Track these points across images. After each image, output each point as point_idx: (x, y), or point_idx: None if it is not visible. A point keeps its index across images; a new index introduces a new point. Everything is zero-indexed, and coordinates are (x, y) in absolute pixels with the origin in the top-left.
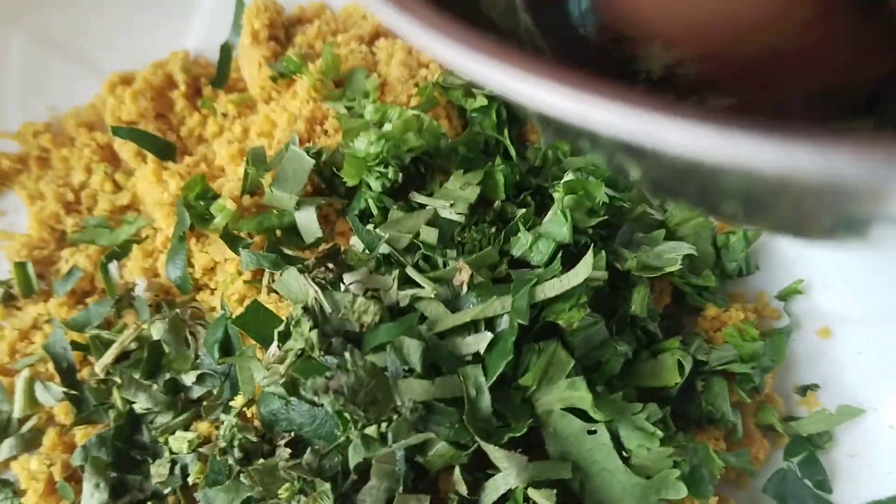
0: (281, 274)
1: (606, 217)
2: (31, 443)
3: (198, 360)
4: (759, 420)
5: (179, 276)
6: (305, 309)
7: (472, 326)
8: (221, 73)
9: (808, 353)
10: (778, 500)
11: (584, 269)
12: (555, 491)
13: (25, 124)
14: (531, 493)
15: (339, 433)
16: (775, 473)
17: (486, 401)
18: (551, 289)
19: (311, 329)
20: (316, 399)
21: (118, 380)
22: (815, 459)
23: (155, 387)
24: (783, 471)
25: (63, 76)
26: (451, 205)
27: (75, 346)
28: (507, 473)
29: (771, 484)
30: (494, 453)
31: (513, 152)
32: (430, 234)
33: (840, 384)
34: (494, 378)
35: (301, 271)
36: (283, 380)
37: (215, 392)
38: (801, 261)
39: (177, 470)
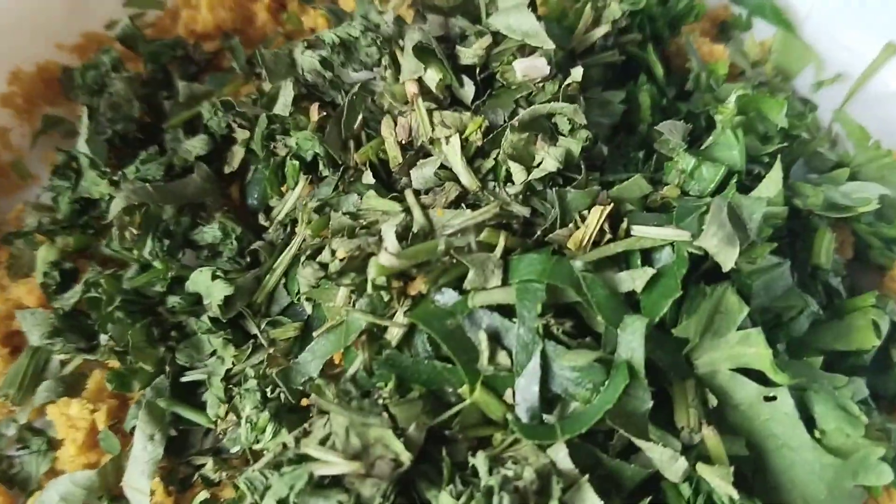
0: None
1: (786, 144)
2: (72, 387)
3: None
4: None
5: None
6: None
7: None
8: None
9: None
10: None
11: (772, 185)
12: (731, 468)
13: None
14: (700, 468)
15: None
16: None
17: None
18: None
19: None
20: None
21: None
22: None
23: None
24: None
25: None
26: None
27: None
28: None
29: None
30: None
31: (659, 72)
32: None
33: None
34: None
35: None
36: None
37: None
38: None
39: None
